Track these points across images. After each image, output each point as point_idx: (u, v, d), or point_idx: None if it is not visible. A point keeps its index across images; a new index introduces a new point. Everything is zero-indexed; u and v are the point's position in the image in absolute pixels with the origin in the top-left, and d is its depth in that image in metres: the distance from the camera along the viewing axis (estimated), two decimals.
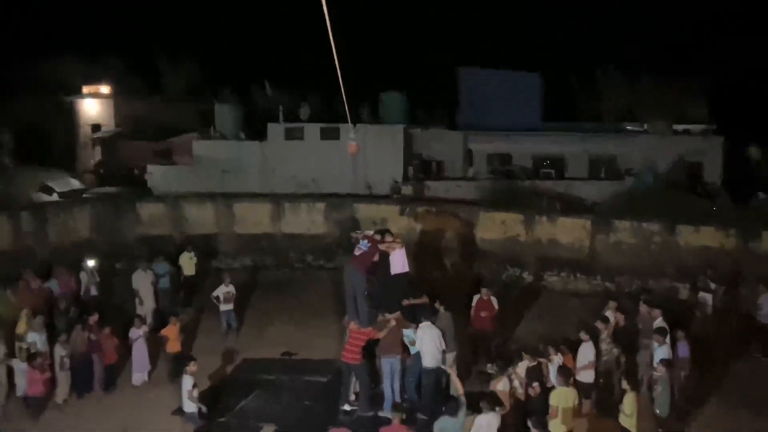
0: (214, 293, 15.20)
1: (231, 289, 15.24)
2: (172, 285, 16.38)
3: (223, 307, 15.16)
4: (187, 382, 11.16)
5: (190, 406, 11.17)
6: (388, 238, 11.96)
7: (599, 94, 35.62)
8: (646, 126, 31.50)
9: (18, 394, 12.10)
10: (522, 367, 10.90)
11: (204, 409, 11.25)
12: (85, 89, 36.10)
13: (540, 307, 17.22)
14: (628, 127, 32.40)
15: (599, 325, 12.02)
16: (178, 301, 16.84)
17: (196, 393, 11.19)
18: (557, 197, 24.68)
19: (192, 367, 11.22)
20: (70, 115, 35.56)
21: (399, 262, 11.87)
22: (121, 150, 32.12)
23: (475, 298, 13.75)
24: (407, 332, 11.53)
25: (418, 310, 11.92)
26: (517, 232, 19.22)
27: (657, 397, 10.61)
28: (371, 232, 12.31)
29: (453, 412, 9.24)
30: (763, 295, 14.52)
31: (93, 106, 35.78)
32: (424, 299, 12.22)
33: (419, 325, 11.32)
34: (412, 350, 11.55)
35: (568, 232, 18.69)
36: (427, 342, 11.19)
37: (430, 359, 11.23)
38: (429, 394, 11.34)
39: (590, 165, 29.22)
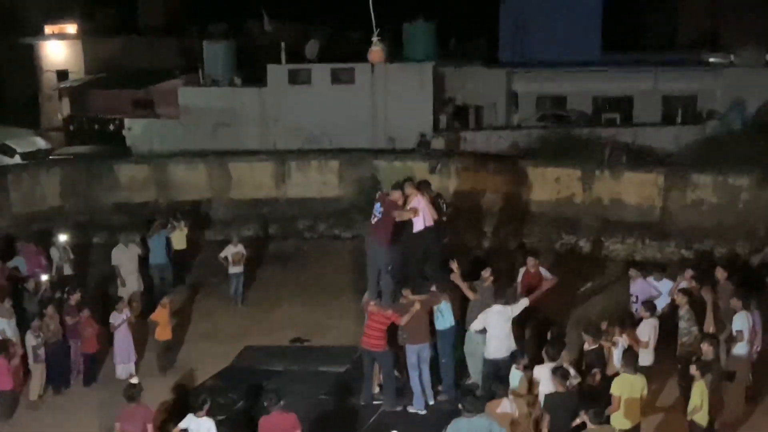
0: (222, 254, 16.30)
1: (240, 249, 16.32)
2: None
3: (232, 269, 16.20)
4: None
5: None
6: (408, 190, 11.81)
7: (674, 17, 34.96)
8: (732, 57, 30.98)
9: None
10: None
11: None
12: (48, 29, 36.13)
13: (600, 281, 17.26)
14: (710, 59, 31.90)
15: (678, 298, 12.09)
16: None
17: None
18: (623, 147, 24.54)
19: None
20: (30, 60, 35.83)
21: (420, 218, 11.83)
22: (93, 101, 32.37)
23: (521, 271, 13.85)
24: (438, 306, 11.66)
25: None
26: (572, 191, 19.19)
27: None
28: (383, 191, 12.24)
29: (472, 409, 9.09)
30: None
31: (58, 50, 35.79)
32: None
33: (492, 308, 11.34)
34: (438, 325, 11.70)
35: (636, 189, 18.60)
36: (496, 327, 11.24)
37: (495, 348, 11.26)
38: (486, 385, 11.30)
39: (663, 106, 28.91)
